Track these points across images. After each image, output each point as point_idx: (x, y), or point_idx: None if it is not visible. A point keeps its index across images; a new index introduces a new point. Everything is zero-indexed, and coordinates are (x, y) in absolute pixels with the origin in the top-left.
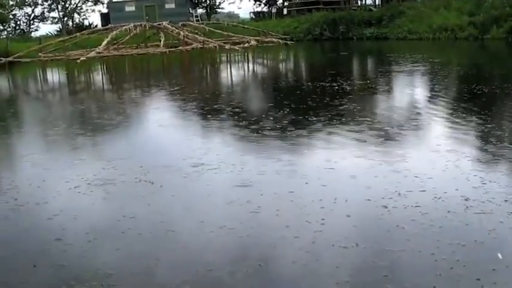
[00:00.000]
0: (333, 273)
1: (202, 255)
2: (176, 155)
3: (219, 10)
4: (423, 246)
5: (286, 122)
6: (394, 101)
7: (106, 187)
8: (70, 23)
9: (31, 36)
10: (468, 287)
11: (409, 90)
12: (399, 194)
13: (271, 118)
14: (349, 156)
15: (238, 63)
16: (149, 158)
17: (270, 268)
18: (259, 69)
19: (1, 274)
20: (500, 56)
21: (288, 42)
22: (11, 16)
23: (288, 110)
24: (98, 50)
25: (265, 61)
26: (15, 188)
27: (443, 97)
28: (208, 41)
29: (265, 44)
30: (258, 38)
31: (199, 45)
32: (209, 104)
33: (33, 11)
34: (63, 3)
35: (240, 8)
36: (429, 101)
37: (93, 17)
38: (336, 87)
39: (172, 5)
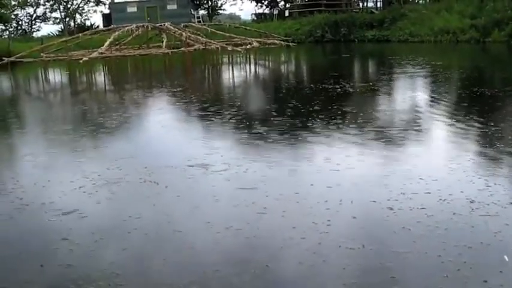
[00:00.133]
0: (340, 274)
1: (209, 255)
2: (180, 155)
3: (220, 11)
4: (429, 248)
5: (289, 123)
6: (397, 104)
7: (111, 187)
8: (72, 23)
9: (33, 37)
10: None
11: (412, 92)
12: (404, 195)
13: (275, 120)
14: (353, 158)
15: (240, 64)
16: (153, 158)
17: (277, 269)
18: (261, 70)
19: (8, 273)
20: (502, 59)
21: (290, 44)
22: (13, 16)
23: (291, 112)
24: (101, 51)
25: (267, 63)
26: (20, 187)
27: (446, 100)
28: (210, 42)
29: (267, 46)
30: (260, 39)
31: (202, 47)
32: (212, 105)
33: (35, 11)
34: (65, 4)
35: (241, 10)
36: (432, 103)
37: (94, 17)
38: (339, 89)
39: (174, 6)
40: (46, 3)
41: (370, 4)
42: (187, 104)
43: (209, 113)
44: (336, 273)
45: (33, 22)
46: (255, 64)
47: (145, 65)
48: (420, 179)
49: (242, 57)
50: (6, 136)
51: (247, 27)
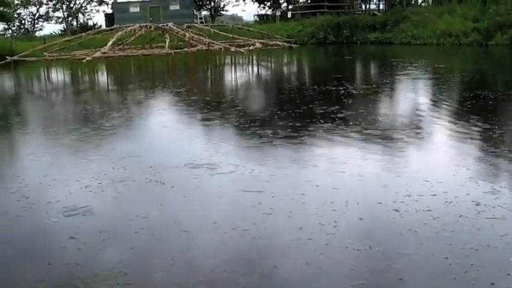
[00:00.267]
0: (348, 275)
1: (216, 255)
2: (185, 156)
3: (223, 12)
4: (436, 250)
5: (294, 125)
6: (401, 106)
7: (117, 187)
8: (74, 23)
9: (35, 36)
10: None
11: (415, 95)
12: (410, 198)
13: (279, 121)
14: (358, 160)
15: (243, 65)
16: (158, 158)
17: (285, 269)
18: (264, 72)
19: (17, 272)
20: (504, 62)
21: (293, 45)
22: (15, 15)
23: (295, 114)
24: (104, 50)
25: (270, 64)
26: (26, 186)
27: (450, 103)
28: (213, 43)
29: (269, 47)
30: (262, 40)
31: (205, 47)
32: (216, 106)
33: (38, 11)
34: (67, 3)
35: (244, 11)
36: (435, 106)
37: (97, 17)
38: (342, 91)
39: (177, 7)
40: (49, 2)
41: (373, 6)
42: (190, 105)
43: (213, 114)
44: (343, 274)
45: (36, 21)
46: (258, 65)
47: (148, 65)
48: (425, 181)
49: (245, 58)
50: (9, 135)
51: (250, 28)
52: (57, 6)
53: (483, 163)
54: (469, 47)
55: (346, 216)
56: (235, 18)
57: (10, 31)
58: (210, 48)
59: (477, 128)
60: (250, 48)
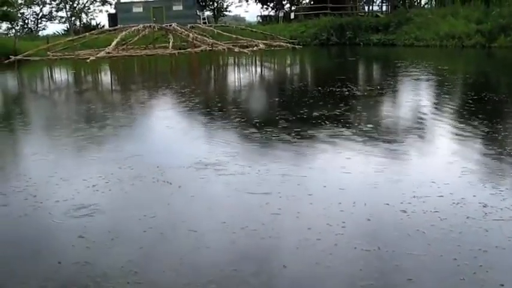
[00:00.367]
0: (357, 275)
1: (226, 255)
2: (191, 156)
3: (226, 13)
4: (444, 251)
5: (299, 126)
6: (406, 108)
7: (124, 186)
8: (77, 22)
9: (38, 35)
10: None
11: (420, 97)
12: (417, 199)
13: (284, 122)
14: (364, 161)
15: (247, 66)
16: (164, 158)
17: (294, 269)
18: (268, 72)
19: (26, 270)
20: (508, 64)
21: (296, 46)
22: (19, 14)
23: (300, 115)
24: (108, 50)
25: (274, 65)
26: (33, 185)
27: (455, 105)
28: (217, 44)
29: (272, 48)
30: (266, 41)
31: (208, 48)
32: (221, 107)
33: (41, 10)
34: (71, 3)
35: (247, 12)
36: (440, 108)
37: (100, 17)
38: (347, 93)
39: (180, 7)
40: (52, 2)
41: (376, 8)
42: (195, 105)
43: (217, 115)
44: (353, 274)
45: (39, 21)
46: (262, 66)
47: (152, 65)
48: (432, 182)
49: (248, 58)
50: (14, 134)
51: (253, 29)
52: (60, 6)
53: (489, 165)
54: (472, 49)
55: (353, 217)
56: (237, 18)
57: (13, 30)
58: (213, 48)
59: (482, 130)
60: (254, 49)
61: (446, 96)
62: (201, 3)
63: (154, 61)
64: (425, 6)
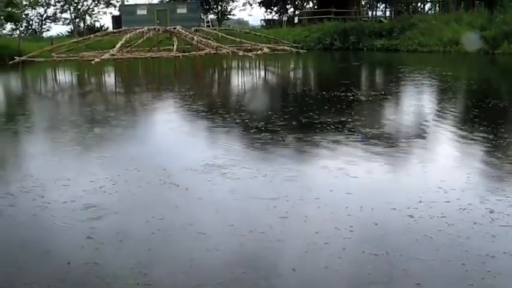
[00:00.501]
0: (366, 279)
1: (235, 257)
2: (197, 159)
3: (230, 16)
4: (452, 256)
5: (305, 130)
6: (411, 114)
7: (131, 188)
8: (81, 24)
9: (42, 36)
10: None
11: (424, 103)
12: (424, 204)
13: (290, 126)
14: (371, 166)
15: (251, 70)
16: (170, 160)
17: (303, 272)
18: (273, 77)
19: (37, 271)
20: (511, 71)
21: (300, 50)
22: (23, 16)
23: (306, 119)
24: (112, 52)
25: (278, 69)
26: (41, 185)
27: (460, 111)
28: (221, 47)
29: (276, 52)
30: (270, 45)
31: (212, 51)
32: (226, 111)
33: (45, 11)
34: (75, 5)
35: (251, 15)
36: (445, 114)
37: (104, 19)
38: (351, 97)
39: (184, 10)
40: (57, 3)
41: (379, 13)
42: (199, 108)
43: (223, 119)
44: (362, 278)
45: (44, 22)
46: (267, 70)
47: (156, 68)
48: (438, 188)
49: (253, 62)
50: (20, 135)
51: (258, 33)
52: (64, 7)
53: (495, 171)
54: (476, 55)
55: (361, 221)
56: (241, 22)
57: (18, 31)
58: (218, 52)
59: (487, 136)
60: (258, 52)
61: (451, 102)
62: (205, 6)
63: (158, 63)
64: (429, 12)
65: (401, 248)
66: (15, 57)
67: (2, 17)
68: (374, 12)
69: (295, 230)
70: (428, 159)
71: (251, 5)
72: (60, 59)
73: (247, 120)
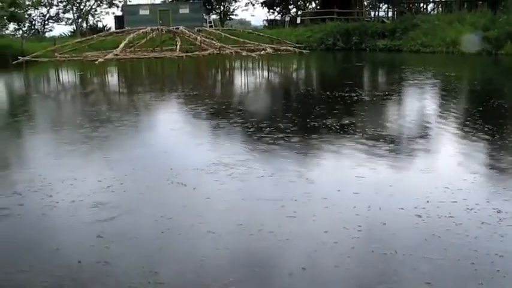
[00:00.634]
0: (376, 278)
1: (245, 256)
2: (203, 159)
3: (232, 17)
4: (461, 256)
5: (311, 130)
6: (416, 114)
7: (139, 187)
8: (84, 24)
9: (45, 37)
10: None
11: (429, 103)
12: (431, 204)
13: (296, 126)
14: (377, 166)
15: (255, 70)
16: (177, 160)
17: (313, 271)
18: (277, 77)
19: (48, 269)
20: None
21: (303, 51)
22: (26, 16)
23: (311, 119)
24: (116, 52)
25: (282, 69)
26: (49, 185)
27: (464, 111)
28: (224, 47)
29: (279, 52)
30: (273, 45)
31: (216, 51)
32: (231, 111)
33: (48, 12)
34: (78, 5)
35: (253, 16)
36: (450, 115)
37: (107, 19)
38: (355, 98)
39: (186, 10)
40: (59, 3)
41: (382, 13)
42: (204, 109)
43: (228, 119)
44: (372, 277)
45: (46, 22)
46: (270, 70)
47: (160, 68)
48: (445, 188)
49: (256, 63)
50: (26, 136)
51: (260, 33)
52: (67, 7)
53: (501, 171)
54: (479, 55)
55: (369, 221)
56: (243, 22)
57: (21, 31)
58: (221, 52)
59: (494, 137)
60: (261, 53)
61: (455, 102)
62: (207, 6)
63: (162, 64)
64: (432, 12)
65: (410, 248)
66: (19, 57)
67: (5, 17)
68: (376, 13)
69: (304, 229)
70: (434, 160)
71: (253, 5)
72: (63, 59)
73: (252, 121)
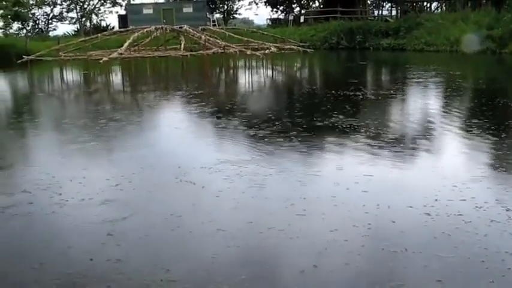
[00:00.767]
0: (386, 276)
1: (256, 254)
2: (211, 157)
3: (235, 15)
4: (472, 254)
5: (318, 129)
6: (422, 113)
7: (148, 186)
8: (88, 23)
9: (49, 36)
10: None
11: (434, 102)
12: (440, 202)
13: (302, 125)
14: (385, 165)
15: (259, 69)
16: (184, 159)
17: (324, 269)
18: (281, 76)
19: (59, 267)
20: None
21: (307, 50)
22: (30, 15)
23: (317, 118)
24: (120, 51)
25: (287, 68)
26: (57, 183)
27: (470, 110)
28: (229, 46)
29: (283, 51)
30: (277, 44)
31: (220, 50)
32: (236, 110)
33: (52, 11)
34: (81, 4)
35: (256, 15)
36: (457, 114)
37: (110, 18)
38: (361, 96)
39: (190, 9)
40: (63, 3)
41: (385, 12)
42: (210, 108)
43: (233, 118)
44: (382, 275)
45: (50, 21)
46: (274, 69)
47: (164, 67)
48: (454, 186)
49: (260, 61)
50: (33, 134)
51: (264, 32)
52: (71, 6)
53: (508, 170)
54: (483, 54)
55: (378, 219)
56: (246, 21)
57: (24, 31)
58: (225, 51)
59: (500, 135)
60: (266, 52)
61: (461, 101)
62: (211, 5)
63: (166, 63)
64: (436, 11)
65: (420, 246)
66: (23, 56)
67: (9, 16)
68: (380, 12)
69: (314, 227)
70: (441, 158)
71: (257, 4)
72: (67, 58)
73: (258, 119)
